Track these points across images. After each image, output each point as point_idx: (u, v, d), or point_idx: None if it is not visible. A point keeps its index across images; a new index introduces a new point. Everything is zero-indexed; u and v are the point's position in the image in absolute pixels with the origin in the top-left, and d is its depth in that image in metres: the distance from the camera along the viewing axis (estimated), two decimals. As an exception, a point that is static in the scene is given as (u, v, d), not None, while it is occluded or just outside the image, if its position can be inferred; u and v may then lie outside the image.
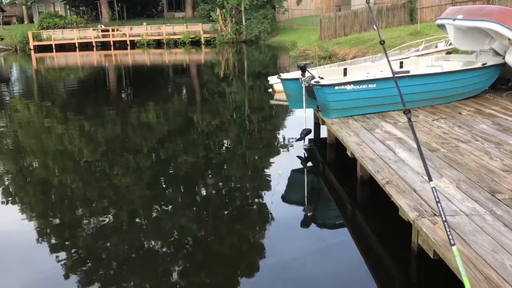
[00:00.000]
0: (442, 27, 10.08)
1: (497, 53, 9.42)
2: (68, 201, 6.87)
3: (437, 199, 3.31)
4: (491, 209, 4.34)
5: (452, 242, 3.11)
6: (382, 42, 4.21)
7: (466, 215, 4.23)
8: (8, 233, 5.94)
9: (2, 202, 6.97)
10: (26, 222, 6.23)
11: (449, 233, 3.14)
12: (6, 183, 7.87)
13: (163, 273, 4.79)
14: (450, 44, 13.16)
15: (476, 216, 4.20)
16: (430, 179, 3.41)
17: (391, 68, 4.26)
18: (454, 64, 9.78)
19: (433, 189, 3.38)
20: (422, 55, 13.10)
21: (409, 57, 12.19)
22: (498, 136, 6.60)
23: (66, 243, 5.53)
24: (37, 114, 14.15)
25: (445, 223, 3.18)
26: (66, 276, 4.75)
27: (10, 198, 7.16)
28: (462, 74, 8.63)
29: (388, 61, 4.32)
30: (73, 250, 5.31)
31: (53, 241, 5.62)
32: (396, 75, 8.30)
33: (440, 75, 8.51)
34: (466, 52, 11.45)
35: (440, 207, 3.27)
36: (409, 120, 3.56)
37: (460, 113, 8.06)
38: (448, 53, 13.11)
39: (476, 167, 5.47)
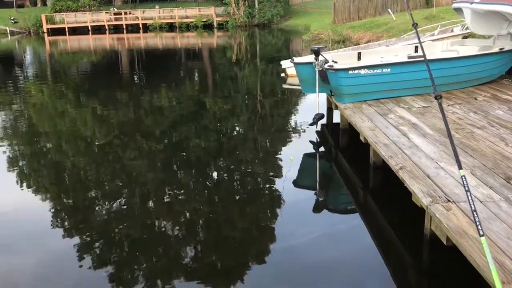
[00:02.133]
0: (458, 10, 9.89)
1: (515, 38, 9.24)
2: (81, 183, 6.93)
3: (466, 188, 3.23)
4: (506, 196, 4.29)
5: (481, 233, 3.05)
6: (414, 25, 4.25)
7: (481, 202, 4.18)
8: (22, 214, 6.01)
9: (17, 184, 7.05)
10: (39, 204, 6.29)
11: (478, 223, 3.06)
12: (21, 165, 7.96)
13: (174, 255, 4.82)
14: (467, 28, 12.93)
15: (490, 203, 4.16)
16: (460, 167, 3.33)
17: (423, 51, 4.24)
18: (471, 48, 9.61)
19: (463, 177, 3.30)
20: (438, 39, 12.90)
21: (424, 42, 12.01)
22: (514, 122, 6.50)
23: (79, 224, 5.59)
24: (51, 97, 14.24)
25: (474, 213, 3.10)
26: (79, 257, 4.80)
27: (24, 180, 7.23)
28: (479, 59, 8.48)
29: (420, 43, 4.32)
30: (86, 232, 5.36)
31: (66, 222, 5.68)
32: (410, 60, 8.22)
33: (455, 59, 8.38)
34: (483, 37, 11.25)
35: (470, 196, 3.19)
36: (440, 105, 3.50)
37: (475, 99, 7.94)
38: (465, 37, 12.89)
39: (491, 153, 5.40)
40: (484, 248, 3.03)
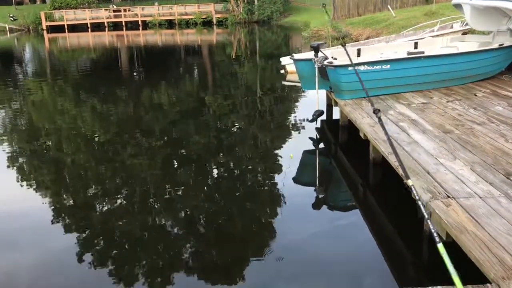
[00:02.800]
0: (458, 7, 9.88)
1: (514, 34, 9.23)
2: (81, 180, 6.93)
3: (417, 197, 3.29)
4: (506, 192, 4.29)
5: (437, 240, 3.08)
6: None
7: (481, 198, 4.18)
8: (22, 211, 6.02)
9: (17, 181, 7.05)
10: (39, 201, 6.29)
11: (433, 230, 3.11)
12: (20, 162, 7.96)
13: (175, 252, 4.83)
14: (466, 24, 12.89)
15: (490, 199, 4.16)
16: (407, 178, 3.38)
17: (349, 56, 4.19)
18: (470, 45, 9.60)
19: (412, 187, 3.35)
20: (438, 35, 12.86)
21: (424, 38, 11.99)
22: (514, 118, 6.50)
23: (79, 221, 5.59)
24: (51, 94, 14.23)
25: (428, 221, 3.15)
26: (79, 254, 4.81)
27: (24, 177, 7.23)
28: (478, 55, 8.48)
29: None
30: (86, 228, 5.37)
31: (66, 219, 5.68)
32: (410, 56, 8.21)
33: (455, 56, 8.37)
34: (482, 33, 11.23)
35: (421, 204, 3.24)
36: (379, 119, 3.55)
37: (475, 95, 7.94)
38: (464, 33, 12.85)
39: (491, 149, 5.40)
40: (442, 254, 3.05)
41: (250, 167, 7.26)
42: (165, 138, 9.06)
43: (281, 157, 7.54)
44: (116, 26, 44.04)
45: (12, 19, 44.73)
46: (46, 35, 39.75)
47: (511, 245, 3.45)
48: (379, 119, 3.56)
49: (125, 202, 6.09)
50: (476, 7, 9.08)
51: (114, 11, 44.76)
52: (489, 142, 5.62)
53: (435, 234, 3.07)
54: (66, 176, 7.21)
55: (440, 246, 3.02)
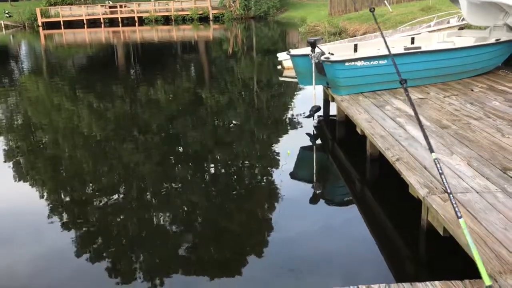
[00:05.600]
0: (455, 2, 9.88)
1: (511, 29, 9.23)
2: (78, 177, 6.91)
3: (440, 171, 3.28)
4: (503, 187, 4.30)
5: (459, 215, 3.09)
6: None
7: (477, 193, 4.19)
8: (19, 209, 6.00)
9: (14, 178, 7.04)
10: (37, 198, 6.28)
11: (455, 205, 3.11)
12: (17, 159, 7.93)
13: (172, 249, 4.83)
14: (463, 19, 12.90)
15: (487, 194, 4.17)
16: (432, 151, 3.39)
17: (388, 47, 4.20)
18: (467, 40, 9.61)
19: (436, 160, 3.35)
20: (434, 31, 12.87)
21: (420, 33, 11.99)
22: (510, 113, 6.50)
23: (76, 218, 5.58)
24: (47, 91, 14.18)
25: (450, 195, 3.15)
26: (77, 251, 4.80)
27: (21, 174, 7.22)
28: (475, 50, 8.48)
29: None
30: (83, 226, 5.36)
31: (63, 216, 5.67)
32: (407, 51, 8.21)
33: (452, 51, 8.37)
34: (479, 28, 11.24)
35: (444, 179, 3.23)
36: (406, 90, 3.56)
37: (472, 90, 7.94)
38: (461, 28, 12.87)
39: (488, 144, 5.41)
40: (464, 231, 3.07)
41: (247, 163, 7.26)
42: (162, 134, 9.05)
43: (278, 153, 7.54)
44: (112, 22, 43.90)
45: (7, 15, 44.54)
46: (42, 32, 39.59)
47: (508, 239, 3.46)
48: (406, 89, 3.60)
49: (122, 198, 6.08)
50: (473, 2, 9.08)
51: (110, 7, 44.59)
52: (485, 137, 5.63)
53: (457, 210, 3.08)
54: (62, 172, 7.19)
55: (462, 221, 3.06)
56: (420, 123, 3.46)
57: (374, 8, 4.23)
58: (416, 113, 3.50)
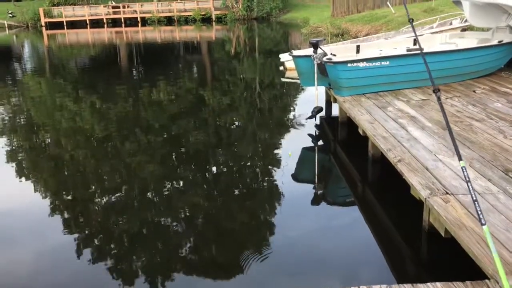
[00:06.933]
0: (457, 3, 9.87)
1: (514, 30, 9.23)
2: (80, 177, 6.92)
3: (467, 179, 3.23)
4: (505, 188, 4.29)
5: (484, 222, 3.06)
6: (411, 20, 4.28)
7: (479, 194, 4.19)
8: (21, 208, 6.01)
9: (16, 177, 7.05)
10: (38, 198, 6.30)
11: (480, 212, 3.07)
12: (20, 159, 7.95)
13: (173, 249, 4.83)
14: (465, 21, 12.89)
15: (489, 195, 4.17)
16: (460, 159, 3.35)
17: (419, 44, 4.20)
18: (469, 41, 9.60)
19: (463, 168, 3.31)
20: (437, 32, 12.86)
21: (423, 34, 11.98)
22: (513, 115, 6.50)
23: (78, 218, 5.59)
24: (49, 91, 14.21)
25: (476, 203, 3.11)
26: (78, 250, 4.81)
27: (23, 174, 7.23)
28: (477, 52, 8.47)
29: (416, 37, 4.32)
30: (85, 226, 5.36)
31: (65, 216, 5.68)
32: (409, 52, 8.20)
33: (454, 52, 8.37)
34: (481, 29, 11.23)
35: (470, 186, 3.20)
36: (439, 99, 3.52)
37: (474, 91, 7.94)
38: (463, 30, 12.85)
39: (490, 145, 5.41)
40: (487, 237, 3.03)
41: (249, 163, 7.27)
42: (164, 134, 9.06)
43: (280, 153, 7.54)
44: (115, 23, 43.96)
45: (10, 15, 44.65)
46: (45, 32, 39.68)
47: (510, 241, 3.46)
48: (438, 98, 3.57)
49: (124, 198, 6.09)
50: (476, 4, 9.07)
51: (113, 7, 44.66)
52: (487, 139, 5.62)
53: (481, 216, 3.06)
54: (65, 172, 7.21)
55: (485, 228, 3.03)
56: (450, 130, 3.44)
57: (412, 19, 4.33)
58: (447, 121, 3.48)
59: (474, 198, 3.14)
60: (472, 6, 9.21)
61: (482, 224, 3.05)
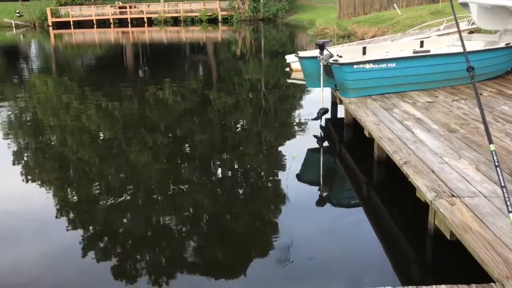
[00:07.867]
0: (465, 6, 9.83)
1: (521, 33, 9.19)
2: (86, 176, 6.94)
3: (496, 163, 3.28)
4: (511, 191, 4.26)
5: (510, 209, 3.07)
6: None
7: (485, 197, 4.16)
8: (26, 207, 6.03)
9: (21, 176, 7.08)
10: (43, 197, 6.31)
11: (507, 199, 3.10)
12: (25, 158, 7.98)
13: (178, 249, 4.84)
14: (473, 23, 12.85)
15: (495, 198, 4.14)
16: (491, 142, 3.40)
17: (462, 41, 4.20)
18: (476, 43, 9.56)
19: (493, 152, 3.35)
20: (443, 34, 12.83)
21: (430, 37, 11.96)
22: (520, 118, 6.47)
23: (83, 218, 5.60)
24: (56, 90, 14.27)
25: (504, 189, 3.13)
26: (83, 250, 4.82)
27: (28, 173, 7.26)
28: (484, 54, 8.44)
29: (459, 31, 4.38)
30: (89, 225, 5.38)
31: (70, 215, 5.69)
32: (416, 54, 8.18)
33: (461, 54, 8.32)
34: (489, 32, 11.18)
35: (499, 172, 3.23)
36: (472, 77, 3.57)
37: (481, 94, 7.90)
38: (470, 32, 12.81)
39: (497, 149, 5.36)
40: None
41: (254, 164, 7.26)
42: (170, 134, 9.07)
43: (285, 154, 7.53)
44: (121, 23, 44.15)
45: (18, 15, 44.91)
46: (52, 31, 39.86)
47: (516, 244, 3.43)
48: (472, 77, 3.62)
49: (129, 198, 6.10)
50: (483, 6, 9.03)
51: (119, 7, 44.84)
52: (494, 142, 5.58)
53: (508, 204, 3.11)
54: (70, 171, 7.23)
55: None
56: (484, 117, 3.46)
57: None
58: (480, 106, 3.51)
59: (503, 184, 3.15)
60: (480, 8, 9.17)
61: (510, 212, 3.05)
